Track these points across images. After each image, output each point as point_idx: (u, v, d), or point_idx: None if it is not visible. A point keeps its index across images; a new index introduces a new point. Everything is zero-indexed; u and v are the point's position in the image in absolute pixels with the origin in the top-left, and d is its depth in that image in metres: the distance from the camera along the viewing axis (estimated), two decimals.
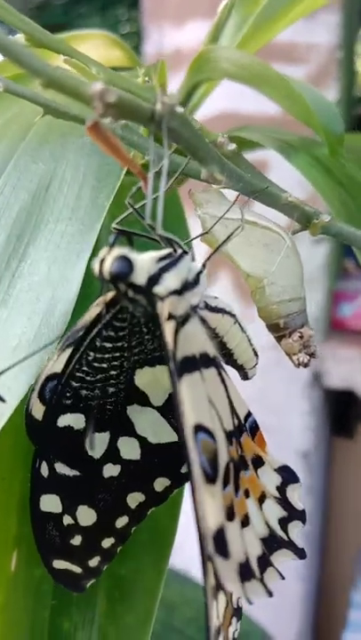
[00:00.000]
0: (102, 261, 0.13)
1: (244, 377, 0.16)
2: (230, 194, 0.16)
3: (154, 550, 0.18)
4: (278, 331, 0.16)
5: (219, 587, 0.12)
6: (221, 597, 0.13)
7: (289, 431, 0.68)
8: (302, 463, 0.68)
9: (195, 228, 0.19)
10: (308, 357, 0.16)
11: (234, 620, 0.15)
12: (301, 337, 0.15)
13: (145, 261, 0.13)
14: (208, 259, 0.14)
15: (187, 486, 0.17)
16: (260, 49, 0.28)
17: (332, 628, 0.75)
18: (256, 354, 0.16)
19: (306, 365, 0.16)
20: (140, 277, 0.13)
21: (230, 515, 0.13)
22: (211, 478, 0.12)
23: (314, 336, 0.16)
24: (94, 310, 0.14)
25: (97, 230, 0.15)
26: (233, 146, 0.15)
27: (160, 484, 0.17)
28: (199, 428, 0.12)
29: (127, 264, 0.13)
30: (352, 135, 0.32)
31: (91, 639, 0.18)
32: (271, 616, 0.68)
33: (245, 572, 0.13)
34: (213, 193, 0.16)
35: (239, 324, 0.15)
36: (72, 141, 0.18)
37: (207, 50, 0.23)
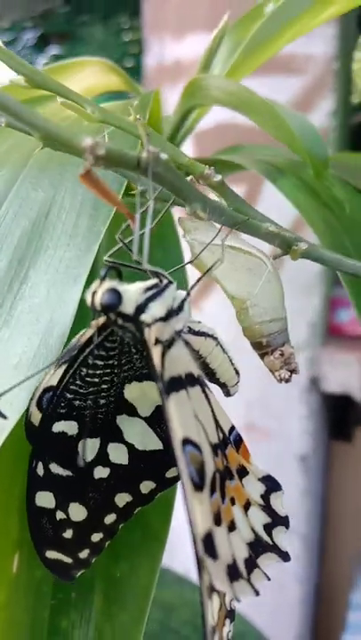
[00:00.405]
0: (94, 294, 0.14)
1: (227, 394, 0.18)
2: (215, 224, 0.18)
3: (147, 552, 0.19)
4: (261, 349, 0.17)
5: (213, 588, 0.14)
6: (215, 599, 0.14)
7: (288, 435, 0.69)
8: (301, 466, 0.69)
9: (186, 247, 0.21)
10: (289, 373, 0.17)
11: (227, 621, 0.16)
12: (282, 354, 0.17)
13: (132, 292, 0.14)
14: (195, 284, 0.15)
15: (179, 492, 0.19)
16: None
17: (331, 630, 0.75)
18: (238, 372, 0.17)
19: (288, 381, 0.17)
20: (128, 307, 0.14)
21: (218, 520, 0.14)
22: (198, 486, 0.13)
23: (294, 354, 0.17)
24: (88, 332, 0.16)
25: (93, 255, 0.16)
26: (219, 177, 0.16)
27: (146, 486, 0.18)
28: (187, 442, 0.13)
29: (116, 296, 0.14)
30: (344, 154, 0.33)
31: (88, 637, 0.19)
32: (270, 618, 0.69)
33: (233, 573, 0.14)
34: (201, 220, 0.17)
35: (221, 346, 0.16)
36: (70, 170, 0.19)
37: (199, 78, 0.25)
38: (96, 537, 0.18)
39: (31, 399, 0.16)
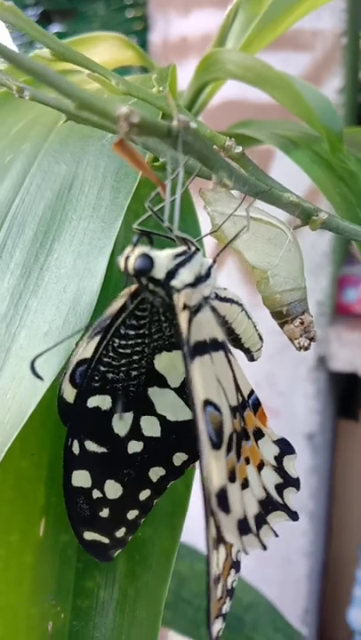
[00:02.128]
0: (127, 259, 0.15)
1: (251, 359, 0.18)
2: (237, 192, 0.18)
3: (170, 515, 0.20)
4: (281, 317, 0.17)
5: (219, 540, 0.14)
6: (222, 550, 0.15)
7: (295, 413, 0.70)
8: (308, 444, 0.69)
9: (203, 221, 0.21)
10: (308, 341, 0.17)
11: (233, 571, 0.17)
12: (302, 323, 0.17)
13: (163, 258, 0.15)
14: (218, 254, 0.16)
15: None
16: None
17: (337, 605, 0.76)
18: (261, 338, 0.18)
19: (306, 349, 0.17)
20: (159, 272, 0.15)
21: (232, 477, 0.15)
22: (216, 445, 0.14)
23: (313, 322, 0.17)
24: (119, 301, 0.16)
25: (117, 227, 0.17)
26: (239, 149, 0.16)
27: (179, 458, 0.18)
28: (208, 403, 0.14)
29: (149, 261, 0.15)
30: (352, 129, 0.33)
31: (112, 597, 0.20)
32: (278, 593, 0.70)
33: (244, 527, 0.15)
34: (222, 192, 0.17)
35: (246, 312, 0.17)
36: (92, 144, 0.19)
37: (214, 52, 0.25)
38: (132, 514, 0.19)
39: (64, 374, 0.17)
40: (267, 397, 0.69)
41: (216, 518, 0.14)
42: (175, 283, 0.15)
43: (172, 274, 0.15)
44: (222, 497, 0.14)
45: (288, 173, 0.26)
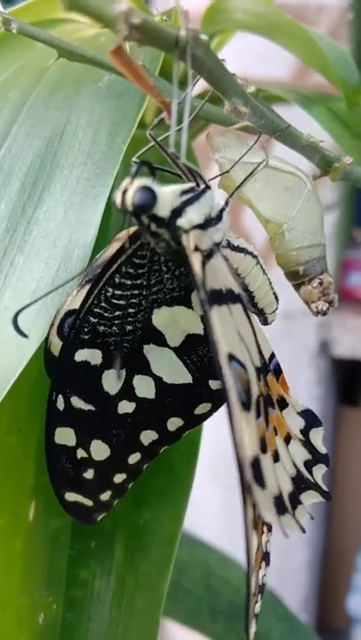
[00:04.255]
0: (124, 192, 0.13)
1: (264, 322, 0.16)
2: (247, 141, 0.16)
3: (171, 498, 0.18)
4: (297, 278, 0.16)
5: (253, 525, 0.12)
6: (254, 539, 0.13)
7: (296, 400, 0.69)
8: None
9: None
10: (327, 305, 0.16)
11: (263, 564, 0.15)
12: (321, 284, 0.15)
13: (168, 194, 0.13)
14: (230, 196, 0.14)
15: (205, 432, 0.18)
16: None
17: (337, 593, 0.76)
18: (277, 297, 0.16)
19: (325, 313, 0.16)
20: (163, 210, 0.13)
21: (263, 447, 0.13)
22: (245, 405, 0.12)
23: (333, 283, 0.16)
24: (115, 245, 0.14)
25: (114, 173, 0.15)
26: (252, 88, 0.14)
27: (173, 423, 0.17)
28: (232, 358, 0.12)
29: (151, 195, 0.13)
30: None
31: (109, 587, 0.19)
32: (278, 580, 0.69)
33: (280, 506, 0.13)
34: (232, 137, 0.15)
35: (261, 266, 0.15)
36: (86, 87, 0.17)
37: (220, 0, 0.23)
38: (119, 478, 0.17)
39: (51, 325, 0.15)
40: None
41: (252, 494, 0.12)
42: (182, 222, 0.13)
43: (177, 212, 0.13)
44: (256, 468, 0.12)
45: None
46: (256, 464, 0.12)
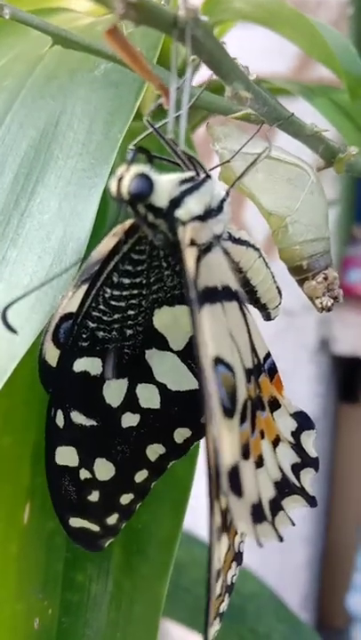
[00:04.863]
0: (120, 180, 0.12)
1: (267, 317, 0.16)
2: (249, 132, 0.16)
3: (170, 500, 0.18)
4: (301, 273, 0.15)
5: (223, 528, 0.12)
6: (224, 540, 0.13)
7: (296, 397, 0.68)
8: None
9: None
10: (331, 301, 0.15)
11: (234, 564, 0.14)
12: (326, 278, 0.15)
13: (166, 183, 0.12)
14: (229, 190, 0.13)
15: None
16: None
17: (336, 591, 0.76)
18: (280, 292, 0.15)
19: (329, 309, 0.15)
20: (160, 199, 0.12)
21: (245, 453, 0.12)
22: (229, 412, 0.12)
23: (338, 278, 0.15)
24: (110, 241, 0.14)
25: (110, 164, 0.14)
26: (254, 76, 0.14)
27: (180, 434, 0.16)
28: (219, 361, 0.12)
29: (147, 183, 0.12)
30: None
31: (106, 591, 0.18)
32: (277, 579, 0.69)
33: (258, 514, 0.13)
34: (233, 127, 0.15)
35: (264, 259, 0.14)
36: (82, 76, 0.17)
37: None
38: (126, 498, 0.16)
39: (45, 332, 0.14)
40: None
41: (223, 502, 0.11)
42: (180, 213, 0.12)
43: (176, 202, 0.12)
44: (234, 476, 0.11)
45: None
46: (235, 472, 0.11)
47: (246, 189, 0.15)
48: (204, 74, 0.15)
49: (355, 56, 0.22)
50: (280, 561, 0.70)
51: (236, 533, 0.14)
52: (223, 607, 0.14)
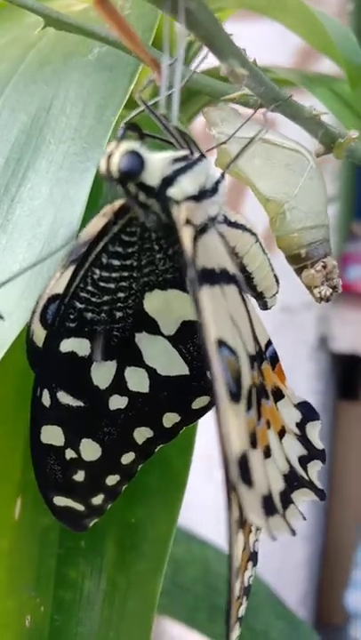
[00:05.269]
0: (109, 157, 0.12)
1: (264, 306, 0.15)
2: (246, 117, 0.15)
3: (165, 495, 0.17)
4: (299, 262, 0.15)
5: (240, 523, 0.12)
6: (240, 538, 0.12)
7: (296, 394, 0.68)
8: None
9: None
10: (330, 290, 0.15)
11: (250, 564, 0.14)
12: (325, 267, 0.14)
13: (158, 161, 0.12)
14: (224, 173, 0.13)
15: (200, 426, 0.17)
16: None
17: (335, 588, 0.75)
18: (277, 280, 0.15)
19: (328, 299, 0.15)
20: (152, 178, 0.12)
21: (253, 442, 0.12)
22: (235, 396, 0.11)
23: (337, 267, 0.15)
24: (100, 221, 0.13)
25: (103, 147, 0.14)
26: (252, 59, 0.13)
27: (169, 419, 0.16)
28: (222, 344, 0.11)
29: (138, 160, 0.12)
30: None
31: (99, 588, 0.18)
32: (276, 576, 0.69)
33: (269, 506, 0.12)
34: (229, 110, 0.14)
35: (260, 245, 0.14)
36: (76, 60, 0.16)
37: None
38: (112, 480, 0.16)
39: (33, 312, 0.14)
40: None
41: (238, 493, 0.11)
42: (173, 192, 0.12)
43: (169, 181, 0.12)
44: (244, 466, 0.11)
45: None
46: (244, 461, 0.11)
47: (243, 175, 0.14)
48: (211, 62, 0.14)
49: (355, 45, 0.22)
50: (280, 558, 0.70)
51: (250, 531, 0.14)
52: (242, 610, 0.14)
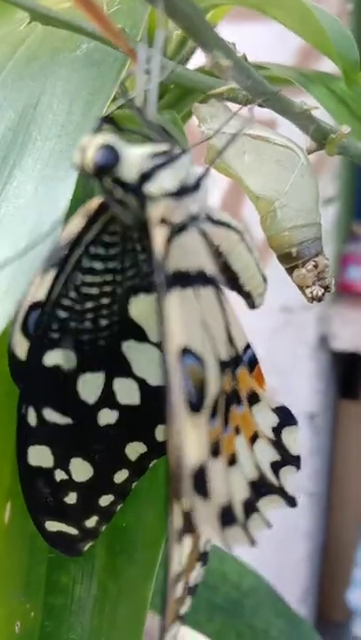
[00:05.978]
0: (83, 150, 0.11)
1: (251, 305, 0.15)
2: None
3: (156, 498, 0.17)
4: (290, 261, 0.14)
5: (186, 530, 0.11)
6: (187, 541, 0.12)
7: (296, 393, 0.68)
8: (309, 425, 0.67)
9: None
10: (322, 290, 0.14)
11: (198, 564, 0.13)
12: (316, 266, 0.14)
13: (136, 155, 0.11)
14: (209, 168, 0.12)
15: None
16: None
17: (336, 586, 0.75)
18: (265, 279, 0.14)
19: (320, 299, 0.14)
20: (129, 173, 0.11)
21: (215, 451, 0.12)
22: (195, 407, 0.11)
23: (329, 266, 0.14)
24: (78, 222, 0.13)
25: None
26: (241, 53, 0.13)
27: (162, 432, 0.15)
28: (187, 352, 0.11)
29: (112, 154, 0.11)
30: None
31: (90, 594, 0.17)
32: (277, 574, 0.69)
33: (227, 516, 0.12)
34: (219, 106, 0.14)
35: (247, 243, 0.13)
36: (64, 56, 0.16)
37: None
38: (105, 500, 0.15)
39: (14, 322, 0.13)
40: (267, 377, 0.67)
41: (186, 503, 0.10)
42: (151, 188, 0.11)
43: (147, 176, 0.11)
44: (200, 477, 0.10)
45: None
46: (201, 472, 0.10)
47: (233, 172, 0.14)
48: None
49: (351, 41, 0.22)
50: (280, 555, 0.69)
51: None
52: (184, 609, 0.13)
